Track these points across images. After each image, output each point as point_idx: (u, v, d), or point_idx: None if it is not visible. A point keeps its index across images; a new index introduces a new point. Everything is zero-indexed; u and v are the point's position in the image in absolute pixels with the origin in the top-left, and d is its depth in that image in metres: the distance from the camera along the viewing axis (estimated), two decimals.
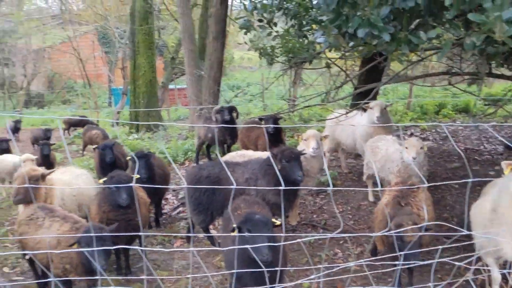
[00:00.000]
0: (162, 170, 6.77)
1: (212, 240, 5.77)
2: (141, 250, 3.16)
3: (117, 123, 18.83)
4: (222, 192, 5.32)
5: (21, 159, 7.38)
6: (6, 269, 5.30)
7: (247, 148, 8.28)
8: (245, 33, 6.75)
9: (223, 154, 9.34)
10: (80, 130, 17.24)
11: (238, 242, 3.11)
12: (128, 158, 6.68)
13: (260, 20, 6.55)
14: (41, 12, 29.49)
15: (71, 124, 16.39)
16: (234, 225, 3.21)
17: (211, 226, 5.96)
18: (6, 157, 8.20)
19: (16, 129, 14.77)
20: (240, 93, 18.32)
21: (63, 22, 30.66)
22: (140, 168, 5.78)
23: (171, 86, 23.18)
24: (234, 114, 9.01)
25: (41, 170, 5.67)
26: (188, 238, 6.00)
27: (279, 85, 18.36)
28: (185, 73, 25.45)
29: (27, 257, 4.52)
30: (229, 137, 9.05)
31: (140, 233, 3.01)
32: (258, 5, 6.27)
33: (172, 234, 6.09)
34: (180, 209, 7.52)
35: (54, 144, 9.25)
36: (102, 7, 18.88)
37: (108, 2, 19.56)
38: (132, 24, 15.56)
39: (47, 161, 8.76)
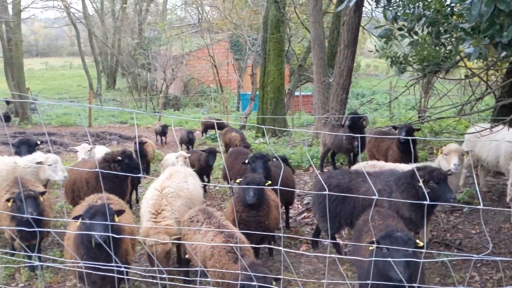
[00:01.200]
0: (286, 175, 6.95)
1: (338, 248, 5.77)
2: (283, 251, 3.27)
3: (244, 127, 19.74)
4: (352, 201, 5.30)
5: (175, 156, 8.19)
6: None
7: (375, 158, 8.11)
8: (385, 42, 6.62)
9: (349, 162, 9.28)
10: (212, 132, 18.41)
11: (376, 256, 3.08)
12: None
13: (400, 29, 6.39)
14: (181, 21, 31.95)
15: (207, 126, 17.51)
16: (373, 239, 3.18)
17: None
18: (170, 156, 9.12)
19: (163, 133, 16.15)
20: (367, 103, 17.92)
21: (200, 30, 33.04)
22: (258, 168, 5.99)
23: (296, 93, 23.61)
24: (363, 123, 8.88)
25: None
26: (313, 243, 6.08)
27: (407, 94, 17.68)
28: (309, 80, 25.68)
29: (187, 256, 4.77)
30: (356, 145, 8.94)
31: (280, 234, 3.14)
32: (399, 14, 6.10)
33: (308, 238, 6.20)
34: (305, 214, 7.64)
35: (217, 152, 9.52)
36: (237, 16, 19.87)
37: (242, 12, 20.51)
38: (264, 32, 16.16)
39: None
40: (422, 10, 6.72)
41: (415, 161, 7.43)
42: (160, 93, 30.01)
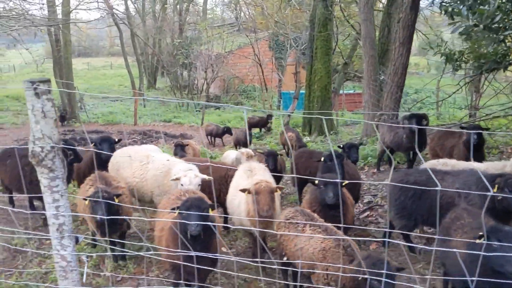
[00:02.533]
0: (353, 172, 6.97)
1: (412, 248, 5.74)
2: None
3: (287, 125, 19.79)
4: (429, 199, 5.27)
5: (241, 153, 8.31)
6: None
7: (438, 156, 8.00)
8: (465, 39, 6.53)
9: (409, 161, 9.19)
10: (255, 130, 18.55)
11: (484, 251, 3.07)
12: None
13: (475, 25, 6.29)
14: (222, 21, 32.26)
15: (252, 125, 17.65)
16: (481, 233, 3.17)
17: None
18: (230, 153, 9.28)
19: (222, 134, 16.34)
20: (420, 102, 17.63)
21: (240, 30, 33.27)
22: (334, 166, 5.99)
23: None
24: (424, 122, 8.76)
25: None
26: (383, 242, 6.07)
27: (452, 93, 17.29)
28: (349, 79, 25.44)
29: (284, 258, 4.71)
30: (417, 144, 8.83)
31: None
32: (475, 10, 6.02)
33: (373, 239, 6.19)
34: (368, 213, 7.62)
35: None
36: (281, 15, 19.93)
37: (285, 10, 20.54)
38: (311, 30, 16.14)
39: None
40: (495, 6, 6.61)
41: (482, 160, 7.32)
42: (201, 92, 30.44)
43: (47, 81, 3.40)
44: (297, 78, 20.20)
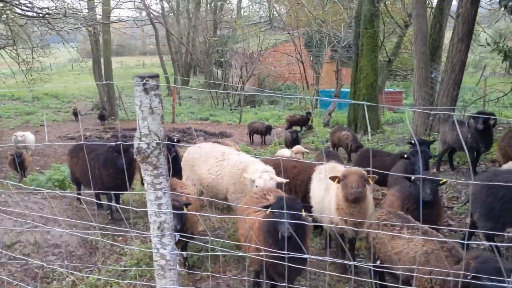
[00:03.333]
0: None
1: (498, 250, 5.48)
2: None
3: (328, 124, 19.53)
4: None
5: (292, 151, 8.18)
6: None
7: (508, 157, 7.68)
8: None
9: (473, 161, 8.86)
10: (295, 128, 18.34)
11: None
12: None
13: None
14: (259, 18, 32.18)
15: (293, 123, 17.46)
16: None
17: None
18: (283, 151, 9.17)
19: (265, 132, 16.26)
20: (478, 100, 17.10)
21: (273, 27, 33.14)
22: (419, 163, 5.76)
23: None
24: (491, 122, 8.42)
25: None
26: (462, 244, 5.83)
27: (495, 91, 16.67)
28: (394, 76, 24.86)
29: (378, 262, 4.51)
30: (483, 144, 8.50)
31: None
32: None
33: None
34: None
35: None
36: (319, 12, 19.69)
37: (326, 7, 20.28)
38: (357, 27, 15.86)
39: None
40: None
41: None
42: (235, 90, 30.42)
43: (156, 76, 3.33)
44: (338, 76, 19.94)
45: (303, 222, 4.04)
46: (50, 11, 11.35)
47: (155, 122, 3.37)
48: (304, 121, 18.01)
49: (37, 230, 5.35)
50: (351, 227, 4.74)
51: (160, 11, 35.40)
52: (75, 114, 23.34)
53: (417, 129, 12.77)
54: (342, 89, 20.18)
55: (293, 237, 4.06)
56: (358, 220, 4.67)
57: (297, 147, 9.49)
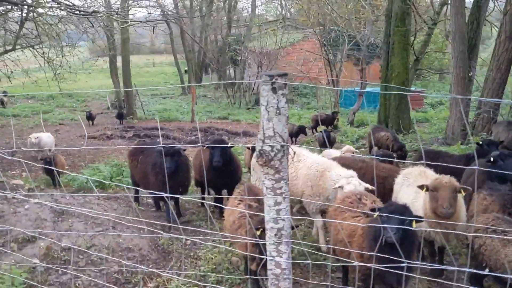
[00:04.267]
0: None
1: None
2: None
3: (352, 123, 19.30)
4: None
5: (342, 151, 7.95)
6: None
7: None
8: None
9: None
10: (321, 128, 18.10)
11: None
12: None
13: None
14: (275, 16, 31.95)
15: (319, 122, 17.21)
16: None
17: None
18: (330, 151, 8.95)
19: (297, 134, 15.33)
20: None
21: (288, 26, 32.87)
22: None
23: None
24: None
25: None
26: None
27: None
28: (423, 75, 24.54)
29: (486, 270, 4.26)
30: None
31: None
32: None
33: None
34: None
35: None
36: (346, 10, 19.47)
37: (349, 5, 20.04)
38: (387, 24, 15.62)
39: None
40: None
41: None
42: (252, 90, 30.23)
43: (284, 74, 3.14)
44: (362, 74, 19.71)
45: (411, 228, 3.84)
46: (97, 9, 11.21)
47: (281, 123, 3.17)
48: (330, 120, 17.76)
49: (109, 233, 5.16)
50: (443, 235, 4.52)
51: (174, 10, 35.18)
52: (90, 117, 22.18)
53: (453, 129, 12.52)
54: (367, 88, 19.94)
55: (400, 245, 3.86)
56: (449, 230, 4.45)
57: (347, 147, 9.25)
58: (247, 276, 4.76)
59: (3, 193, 4.98)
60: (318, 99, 27.90)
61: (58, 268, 4.56)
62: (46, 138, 12.90)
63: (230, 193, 6.82)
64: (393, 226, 3.74)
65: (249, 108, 28.14)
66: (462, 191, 4.47)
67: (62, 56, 13.63)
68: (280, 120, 3.17)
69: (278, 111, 3.16)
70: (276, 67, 29.63)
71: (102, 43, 22.89)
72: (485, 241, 4.16)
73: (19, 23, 13.73)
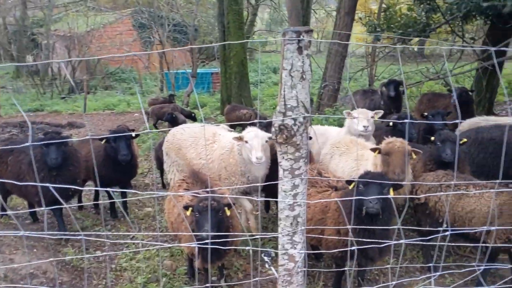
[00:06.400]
0: None
1: None
2: None
3: (187, 105, 18.84)
4: (506, 154, 5.47)
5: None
6: None
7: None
8: None
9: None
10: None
11: None
12: None
13: None
14: None
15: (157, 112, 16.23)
16: None
17: None
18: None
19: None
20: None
21: (94, 7, 30.32)
22: None
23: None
24: (401, 89, 9.10)
25: None
26: None
27: None
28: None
29: (444, 225, 4.25)
30: (394, 110, 9.15)
31: None
32: None
33: None
34: None
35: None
36: None
37: None
38: (220, 4, 15.47)
39: None
40: None
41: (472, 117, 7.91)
42: (64, 77, 27.10)
43: (311, 31, 2.61)
44: (193, 56, 19.33)
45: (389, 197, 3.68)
46: None
47: (304, 90, 2.65)
48: (168, 103, 16.96)
49: None
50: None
51: None
52: None
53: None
54: (198, 70, 19.67)
55: (380, 215, 3.69)
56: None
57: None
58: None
59: None
60: (141, 83, 26.52)
61: None
62: None
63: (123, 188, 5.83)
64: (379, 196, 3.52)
65: (63, 98, 25.15)
66: (413, 154, 4.52)
67: None
68: (304, 87, 2.63)
69: (303, 76, 2.61)
70: (89, 51, 27.10)
71: None
72: (440, 197, 4.27)
73: None
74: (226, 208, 3.76)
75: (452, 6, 8.79)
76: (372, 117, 5.72)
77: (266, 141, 4.89)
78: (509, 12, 7.17)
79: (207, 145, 5.33)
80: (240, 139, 4.90)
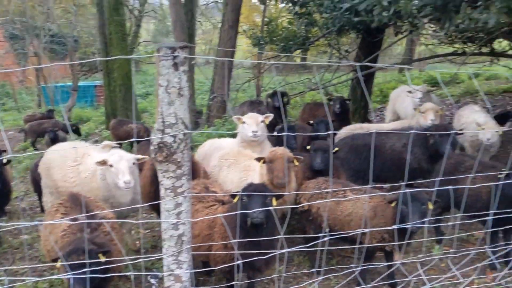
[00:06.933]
0: None
1: None
2: None
3: (70, 120, 17.70)
4: (378, 158, 5.96)
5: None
6: None
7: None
8: None
9: None
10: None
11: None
12: None
13: None
14: None
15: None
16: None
17: None
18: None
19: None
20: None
21: None
22: None
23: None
24: (285, 100, 9.44)
25: None
26: None
27: None
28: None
29: (326, 230, 4.47)
30: (280, 120, 9.44)
31: None
32: None
33: None
34: None
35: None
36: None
37: None
38: (101, 15, 14.87)
39: None
40: None
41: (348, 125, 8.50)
42: None
43: (186, 47, 2.60)
44: (73, 68, 18.27)
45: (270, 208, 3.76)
46: None
47: (183, 107, 2.65)
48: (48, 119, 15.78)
49: None
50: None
51: None
52: None
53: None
54: (80, 83, 18.63)
55: (265, 225, 3.76)
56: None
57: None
58: None
59: None
60: (15, 99, 24.37)
61: None
62: None
63: None
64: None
65: None
66: (295, 160, 4.69)
67: None
68: (182, 103, 2.61)
69: (180, 92, 2.59)
70: None
71: None
72: (322, 204, 4.50)
73: None
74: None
75: (327, 20, 9.37)
76: (263, 121, 5.81)
77: (134, 163, 4.69)
78: (377, 27, 7.82)
79: (73, 167, 5.00)
80: (103, 163, 4.62)
